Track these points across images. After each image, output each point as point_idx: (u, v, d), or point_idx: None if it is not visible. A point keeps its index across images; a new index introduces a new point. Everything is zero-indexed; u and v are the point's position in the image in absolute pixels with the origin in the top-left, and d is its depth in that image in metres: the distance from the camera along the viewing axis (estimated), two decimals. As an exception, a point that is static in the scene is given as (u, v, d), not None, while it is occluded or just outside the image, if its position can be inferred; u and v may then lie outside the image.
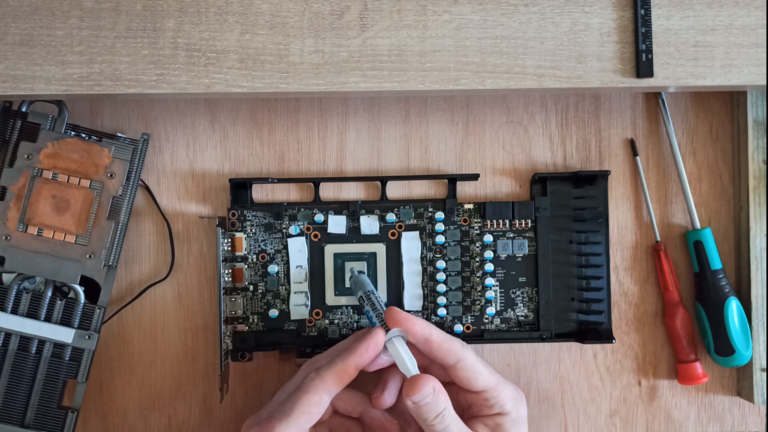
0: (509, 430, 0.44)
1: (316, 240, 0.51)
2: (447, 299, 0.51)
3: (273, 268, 0.50)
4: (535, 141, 0.53)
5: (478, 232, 0.51)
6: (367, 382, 0.48)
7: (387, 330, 0.44)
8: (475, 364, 0.44)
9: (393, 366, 0.45)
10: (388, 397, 0.45)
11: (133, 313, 0.51)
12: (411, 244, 0.51)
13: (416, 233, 0.51)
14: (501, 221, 0.51)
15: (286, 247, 0.51)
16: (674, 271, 0.52)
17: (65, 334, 0.47)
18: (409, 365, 0.43)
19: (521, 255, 0.51)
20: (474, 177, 0.51)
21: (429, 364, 0.46)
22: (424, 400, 0.41)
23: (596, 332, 0.51)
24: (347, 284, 0.50)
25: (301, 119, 0.52)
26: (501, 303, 0.51)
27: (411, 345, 0.44)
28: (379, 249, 0.51)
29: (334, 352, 0.45)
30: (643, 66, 0.45)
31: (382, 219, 0.51)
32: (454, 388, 0.45)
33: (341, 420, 0.47)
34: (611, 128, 0.53)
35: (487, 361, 0.47)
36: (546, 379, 0.52)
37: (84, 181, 0.47)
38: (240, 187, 0.51)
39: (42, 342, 0.47)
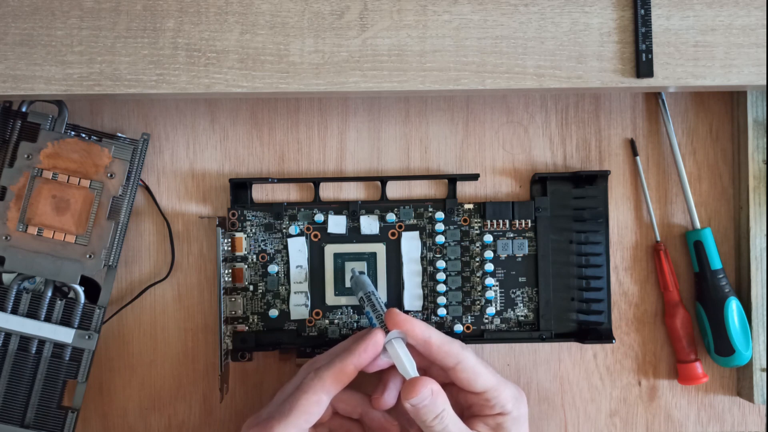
0: (510, 429, 0.45)
1: (316, 240, 0.51)
2: (447, 299, 0.51)
3: (273, 268, 0.50)
4: (535, 141, 0.53)
5: (478, 232, 0.51)
6: (367, 383, 0.48)
7: (387, 331, 0.44)
8: (474, 365, 0.44)
9: (393, 367, 0.45)
10: (389, 398, 0.45)
11: (133, 313, 0.51)
12: (411, 244, 0.51)
13: (416, 233, 0.51)
14: (501, 221, 0.51)
15: (286, 247, 0.51)
16: (674, 271, 0.52)
17: (65, 334, 0.47)
18: (408, 367, 0.43)
19: (521, 255, 0.51)
20: (474, 177, 0.51)
21: (429, 365, 0.46)
22: (422, 403, 0.41)
23: (596, 332, 0.51)
24: (347, 284, 0.50)
25: (301, 119, 0.52)
26: (501, 303, 0.51)
27: (411, 347, 0.44)
28: (379, 249, 0.51)
29: (334, 353, 0.45)
30: (643, 66, 0.45)
31: (382, 219, 0.51)
32: (455, 388, 0.45)
33: (341, 421, 0.47)
34: (611, 128, 0.53)
35: (487, 362, 0.47)
36: (546, 379, 0.52)
37: (84, 181, 0.47)
38: (240, 187, 0.51)
39: (42, 342, 0.47)
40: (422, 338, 0.43)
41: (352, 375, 0.43)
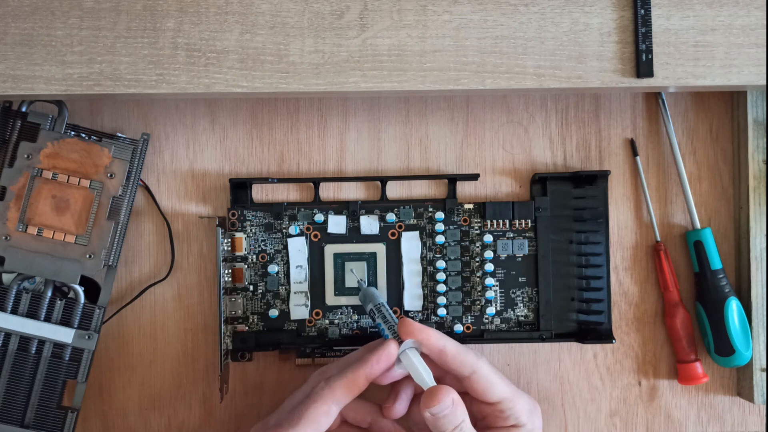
0: None
1: (316, 240, 0.51)
2: (447, 299, 0.51)
3: (273, 268, 0.50)
4: (535, 141, 0.53)
5: (478, 232, 0.51)
6: (379, 392, 0.47)
7: (400, 342, 0.44)
8: (489, 374, 0.43)
9: (405, 376, 0.44)
10: (400, 408, 0.45)
11: (133, 313, 0.51)
12: (411, 244, 0.51)
13: (416, 233, 0.51)
14: (501, 221, 0.51)
15: (286, 247, 0.51)
16: (674, 271, 0.52)
17: (65, 334, 0.47)
18: (425, 377, 0.42)
19: (521, 255, 0.51)
20: (474, 177, 0.51)
21: (443, 375, 0.46)
22: (443, 412, 0.41)
23: (596, 332, 0.51)
24: (347, 284, 0.50)
25: (301, 119, 0.52)
26: (501, 303, 0.51)
27: (425, 356, 0.44)
28: (379, 249, 0.51)
29: (346, 363, 0.45)
30: (643, 66, 0.45)
31: (382, 219, 0.51)
32: (468, 398, 0.45)
33: (350, 430, 0.46)
34: (611, 128, 0.53)
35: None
36: (546, 379, 0.52)
37: (84, 181, 0.47)
38: (240, 187, 0.51)
39: (42, 342, 0.47)
40: (437, 347, 0.43)
41: (363, 386, 0.43)
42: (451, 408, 0.41)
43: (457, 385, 0.45)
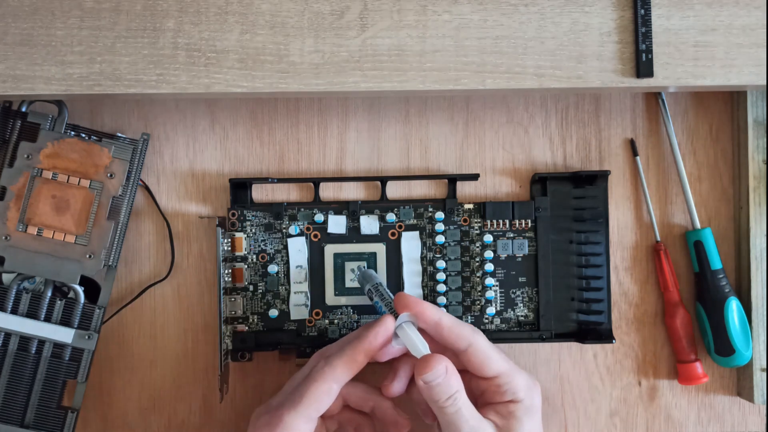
0: (522, 419, 0.44)
1: (316, 240, 0.51)
2: (447, 299, 0.51)
3: (273, 268, 0.50)
4: (535, 141, 0.53)
5: (478, 232, 0.51)
6: (379, 376, 0.47)
7: (397, 318, 0.44)
8: (486, 348, 0.43)
9: (404, 356, 0.45)
10: (398, 386, 0.45)
11: (133, 313, 0.51)
12: (411, 244, 0.51)
13: (416, 233, 0.51)
14: (501, 221, 0.51)
15: (286, 247, 0.51)
16: (674, 271, 0.52)
17: (65, 334, 0.47)
18: (421, 347, 0.42)
19: (521, 255, 0.51)
20: (474, 177, 0.51)
21: (441, 351, 0.45)
22: (436, 380, 0.41)
23: (596, 332, 0.51)
24: (347, 284, 0.50)
25: (301, 119, 0.52)
26: (501, 303, 0.51)
27: (422, 331, 0.44)
28: (379, 249, 0.51)
29: (345, 342, 0.45)
30: (643, 66, 0.45)
31: (382, 219, 0.51)
32: (467, 375, 0.45)
33: (352, 414, 0.46)
34: (611, 128, 0.53)
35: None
36: (546, 379, 0.52)
37: (84, 181, 0.47)
38: (240, 187, 0.51)
39: (42, 342, 0.47)
40: (433, 320, 0.43)
41: (362, 363, 0.43)
42: (444, 377, 0.41)
43: (455, 361, 0.44)
